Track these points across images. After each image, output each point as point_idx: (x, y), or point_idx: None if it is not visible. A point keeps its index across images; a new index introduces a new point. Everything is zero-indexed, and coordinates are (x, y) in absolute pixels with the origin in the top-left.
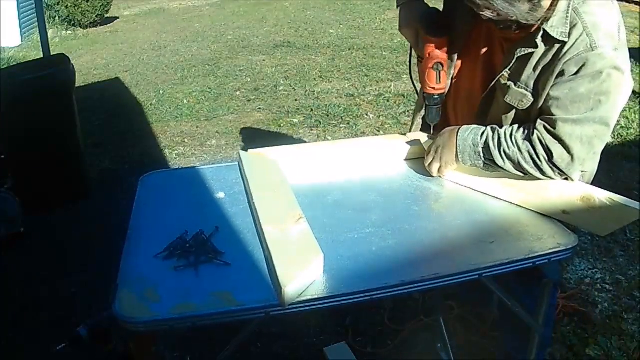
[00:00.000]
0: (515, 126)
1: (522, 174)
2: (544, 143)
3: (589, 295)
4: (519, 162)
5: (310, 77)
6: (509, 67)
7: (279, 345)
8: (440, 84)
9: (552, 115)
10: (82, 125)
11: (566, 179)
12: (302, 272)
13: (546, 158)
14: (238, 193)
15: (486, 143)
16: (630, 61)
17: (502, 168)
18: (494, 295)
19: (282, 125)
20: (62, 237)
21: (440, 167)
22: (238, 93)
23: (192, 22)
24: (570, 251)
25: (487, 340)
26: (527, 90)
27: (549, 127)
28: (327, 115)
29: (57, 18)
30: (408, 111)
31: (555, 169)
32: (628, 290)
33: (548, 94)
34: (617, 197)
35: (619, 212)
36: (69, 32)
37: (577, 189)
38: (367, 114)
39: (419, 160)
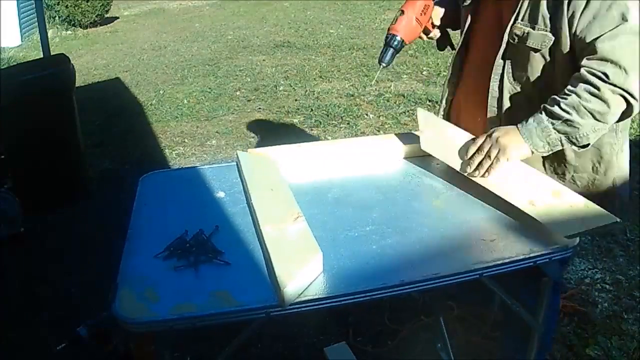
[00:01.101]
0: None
1: (590, 123)
2: (594, 71)
3: (589, 295)
4: (582, 107)
5: (310, 77)
6: (516, 13)
7: (279, 345)
8: (397, 24)
9: (587, 44)
10: (82, 125)
11: (628, 102)
12: (301, 272)
13: (603, 81)
14: (238, 193)
15: (548, 112)
16: None
17: (572, 123)
18: (495, 295)
19: (282, 125)
20: (62, 237)
21: (491, 164)
22: (238, 93)
23: (192, 22)
24: (571, 251)
25: (487, 340)
26: (546, 30)
27: (590, 55)
28: (327, 115)
29: (57, 18)
30: (408, 111)
31: (615, 88)
32: (628, 290)
33: (574, 33)
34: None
35: (586, 212)
36: (69, 32)
37: (547, 184)
38: (367, 114)
39: (419, 158)
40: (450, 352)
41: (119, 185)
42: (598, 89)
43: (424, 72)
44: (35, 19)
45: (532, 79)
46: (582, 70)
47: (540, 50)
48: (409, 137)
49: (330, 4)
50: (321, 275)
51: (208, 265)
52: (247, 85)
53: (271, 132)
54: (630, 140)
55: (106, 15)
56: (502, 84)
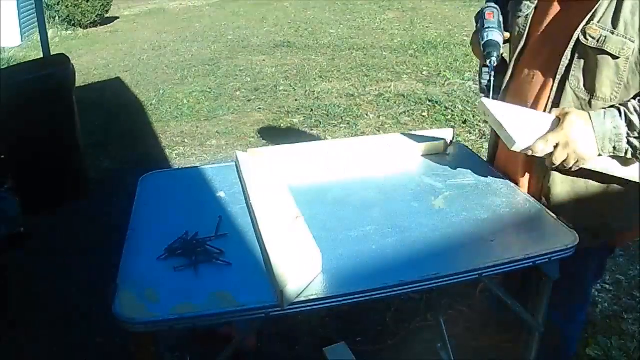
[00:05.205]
0: None
1: None
2: None
3: None
4: None
5: (310, 77)
6: (592, 13)
7: (278, 345)
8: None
9: None
10: (82, 125)
11: None
12: (301, 272)
13: None
14: (238, 193)
15: (627, 119)
16: None
17: None
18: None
19: (282, 125)
20: (62, 237)
21: (577, 162)
22: (238, 93)
23: (192, 22)
24: (571, 250)
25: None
26: (625, 37)
27: None
28: (327, 115)
29: (57, 18)
30: (408, 111)
31: None
32: (628, 290)
33: None
34: None
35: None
36: (69, 32)
37: None
38: (367, 114)
39: (419, 158)
40: (451, 352)
41: (119, 185)
42: None
43: (424, 72)
44: (35, 19)
45: (598, 88)
46: None
47: (619, 58)
48: (409, 137)
49: (330, 4)
50: (320, 275)
51: (208, 265)
52: (247, 85)
53: (271, 132)
54: None
55: (106, 15)
56: (563, 90)
